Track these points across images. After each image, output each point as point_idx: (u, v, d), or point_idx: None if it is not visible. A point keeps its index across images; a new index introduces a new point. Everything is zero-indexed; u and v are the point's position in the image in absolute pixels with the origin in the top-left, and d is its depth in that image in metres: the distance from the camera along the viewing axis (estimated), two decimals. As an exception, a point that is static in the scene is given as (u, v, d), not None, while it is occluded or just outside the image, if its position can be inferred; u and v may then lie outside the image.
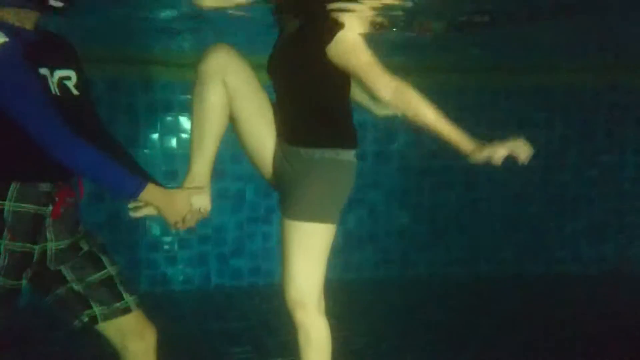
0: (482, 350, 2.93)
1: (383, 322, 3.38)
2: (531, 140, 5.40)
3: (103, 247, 1.67)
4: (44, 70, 1.47)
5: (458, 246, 4.58)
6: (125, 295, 1.64)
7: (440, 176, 4.54)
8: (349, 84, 1.76)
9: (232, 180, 4.04)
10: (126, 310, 1.64)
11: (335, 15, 1.68)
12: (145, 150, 4.06)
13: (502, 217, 4.62)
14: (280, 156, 1.74)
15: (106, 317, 1.62)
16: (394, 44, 3.56)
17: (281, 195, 1.79)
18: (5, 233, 1.44)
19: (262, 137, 1.74)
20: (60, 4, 1.49)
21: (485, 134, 5.37)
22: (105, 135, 1.68)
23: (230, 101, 1.67)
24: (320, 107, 1.70)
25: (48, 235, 1.53)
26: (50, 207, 1.50)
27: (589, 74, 4.46)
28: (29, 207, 1.47)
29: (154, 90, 4.03)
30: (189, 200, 1.64)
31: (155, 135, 4.08)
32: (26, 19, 1.47)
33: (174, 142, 4.11)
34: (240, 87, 1.66)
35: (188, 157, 4.36)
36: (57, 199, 1.51)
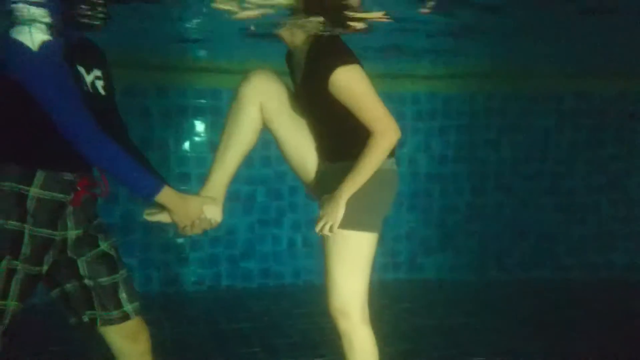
0: (490, 354, 2.95)
1: (391, 326, 3.40)
2: (540, 145, 5.44)
3: (117, 249, 1.73)
4: (80, 69, 1.56)
5: (466, 251, 4.61)
6: (127, 304, 1.68)
7: (450, 181, 4.57)
8: None
9: (243, 183, 4.10)
10: (125, 318, 1.68)
11: (339, 44, 1.73)
12: (159, 153, 4.14)
13: (510, 222, 4.64)
14: (322, 174, 1.81)
15: (105, 323, 1.67)
16: (406, 50, 3.61)
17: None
18: (28, 218, 1.50)
19: (304, 155, 1.82)
20: (96, 23, 1.59)
21: (495, 139, 5.44)
22: (126, 137, 1.74)
23: (267, 123, 1.76)
24: (354, 126, 1.72)
25: (69, 223, 1.59)
26: (72, 196, 1.57)
27: (598, 81, 4.48)
28: (52, 195, 1.53)
29: (168, 95, 4.11)
30: (201, 208, 1.70)
31: (169, 139, 4.16)
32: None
33: (187, 145, 4.18)
34: (279, 110, 1.74)
35: (200, 160, 4.42)
36: (78, 188, 1.57)
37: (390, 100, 4.33)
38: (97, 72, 1.62)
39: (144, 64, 3.81)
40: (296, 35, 1.76)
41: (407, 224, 4.54)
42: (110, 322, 1.66)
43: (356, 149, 1.72)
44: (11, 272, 1.49)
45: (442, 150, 4.56)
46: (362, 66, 1.71)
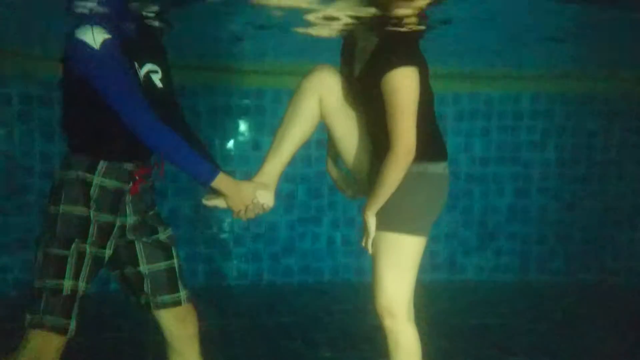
0: (528, 355, 2.94)
1: (431, 325, 3.41)
2: (587, 148, 5.31)
3: (172, 238, 1.83)
4: (136, 64, 1.67)
5: (507, 252, 4.56)
6: (180, 289, 1.79)
7: (491, 182, 4.54)
8: (432, 98, 1.80)
9: (284, 181, 4.09)
10: (177, 303, 1.79)
11: (408, 41, 1.76)
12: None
13: (554, 225, 4.56)
14: (375, 172, 1.81)
15: (158, 306, 1.78)
16: (449, 50, 3.62)
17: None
18: (92, 204, 1.63)
19: (357, 154, 1.84)
20: (160, 25, 1.71)
21: (540, 140, 5.36)
22: (184, 126, 1.83)
23: (324, 118, 1.79)
24: None
25: (127, 210, 1.71)
26: (131, 184, 1.69)
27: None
28: (113, 183, 1.66)
29: (215, 95, 4.25)
30: (254, 193, 1.77)
31: (215, 138, 4.30)
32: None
33: (232, 144, 4.32)
34: (336, 106, 1.77)
35: (244, 158, 4.52)
36: (136, 177, 1.70)
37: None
38: (151, 66, 1.71)
39: (192, 65, 3.96)
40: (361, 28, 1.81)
41: (446, 225, 4.54)
42: (164, 306, 1.77)
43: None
44: (81, 254, 1.62)
45: (484, 152, 4.53)
46: (424, 68, 1.71)
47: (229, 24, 2.98)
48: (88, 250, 1.63)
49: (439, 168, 1.81)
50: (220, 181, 1.68)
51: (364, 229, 1.82)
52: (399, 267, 1.78)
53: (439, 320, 3.54)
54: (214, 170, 1.67)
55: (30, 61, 3.81)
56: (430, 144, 1.80)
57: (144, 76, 1.68)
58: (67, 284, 1.59)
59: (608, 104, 4.49)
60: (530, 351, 3.00)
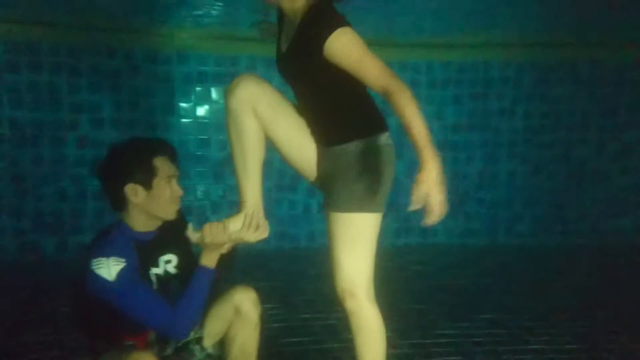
0: (496, 312, 3.10)
1: (403, 286, 3.57)
2: (554, 114, 5.49)
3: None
4: (153, 269, 1.71)
5: (477, 217, 4.73)
6: None
7: (461, 149, 4.66)
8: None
9: None
10: None
11: (331, 10, 1.62)
12: (181, 120, 4.27)
13: (521, 189, 4.73)
14: (321, 159, 1.78)
15: None
16: (421, 19, 3.65)
17: (326, 194, 1.80)
18: None
19: (304, 150, 1.78)
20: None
21: (510, 108, 5.50)
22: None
23: (264, 127, 1.71)
24: (342, 104, 1.71)
25: None
26: None
27: (613, 50, 4.48)
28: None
29: (190, 62, 4.21)
30: (225, 234, 1.71)
31: (190, 105, 4.28)
32: (152, 224, 1.71)
33: (207, 111, 4.30)
34: (271, 113, 1.70)
35: (219, 126, 4.51)
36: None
37: (404, 68, 4.44)
38: (166, 257, 1.74)
39: (165, 31, 3.90)
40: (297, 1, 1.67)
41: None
42: None
43: (347, 132, 1.71)
44: None
45: (455, 119, 4.63)
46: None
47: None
48: None
49: (384, 139, 1.76)
50: (213, 261, 1.70)
51: (429, 193, 1.57)
52: (358, 247, 1.74)
53: (411, 282, 3.70)
54: (209, 273, 1.68)
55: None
56: (371, 118, 1.77)
57: (163, 272, 1.72)
58: None
59: (574, 71, 4.62)
60: (498, 309, 3.16)
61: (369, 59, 1.59)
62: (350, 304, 1.76)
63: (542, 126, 4.68)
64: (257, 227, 1.78)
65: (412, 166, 5.25)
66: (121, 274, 1.58)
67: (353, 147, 1.71)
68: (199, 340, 1.78)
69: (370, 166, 1.71)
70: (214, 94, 4.31)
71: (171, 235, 1.75)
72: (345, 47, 1.57)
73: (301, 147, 1.78)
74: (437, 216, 1.58)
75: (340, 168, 1.72)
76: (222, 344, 1.81)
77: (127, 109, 4.15)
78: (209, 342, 1.80)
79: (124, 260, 1.59)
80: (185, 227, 1.75)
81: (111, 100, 4.12)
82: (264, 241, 5.21)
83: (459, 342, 2.68)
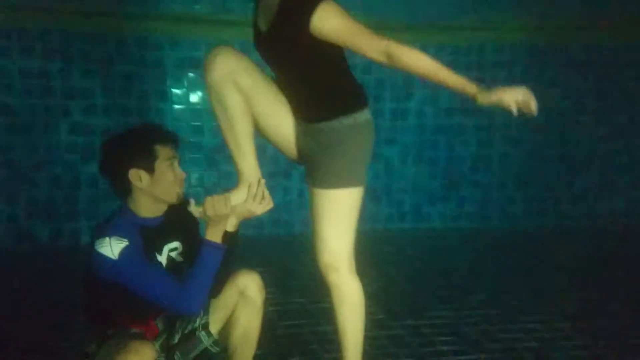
0: (488, 294, 3.14)
1: (396, 269, 3.60)
2: (547, 97, 5.50)
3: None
4: (156, 254, 1.70)
5: (470, 200, 4.76)
6: None
7: (456, 133, 4.67)
8: (342, 49, 1.71)
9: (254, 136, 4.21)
10: None
11: None
12: (173, 106, 4.25)
13: (514, 172, 4.76)
14: (302, 135, 1.77)
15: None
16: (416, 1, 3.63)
17: (308, 169, 1.81)
18: None
19: (283, 124, 1.77)
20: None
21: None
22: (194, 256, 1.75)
23: (247, 101, 1.69)
24: (326, 81, 1.71)
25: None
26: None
27: (605, 33, 4.49)
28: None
29: (182, 48, 4.18)
30: (227, 205, 1.68)
31: (183, 91, 4.26)
32: (157, 209, 1.71)
33: (199, 97, 4.29)
34: (251, 84, 1.68)
35: (211, 111, 4.49)
36: (147, 337, 1.71)
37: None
38: (171, 245, 1.73)
39: (157, 16, 3.87)
40: None
41: (413, 175, 4.68)
42: None
43: (330, 109, 1.71)
44: None
45: (449, 103, 4.64)
46: None
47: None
48: None
49: (365, 114, 1.77)
50: (218, 237, 1.69)
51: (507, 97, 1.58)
52: (342, 222, 1.76)
53: (405, 265, 3.73)
54: (219, 249, 1.68)
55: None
56: (354, 94, 1.78)
57: (167, 258, 1.72)
58: None
59: (567, 54, 4.62)
60: (491, 290, 3.20)
61: (358, 28, 1.58)
62: (333, 278, 1.79)
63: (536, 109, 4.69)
64: (262, 198, 1.76)
65: (405, 151, 5.33)
66: (124, 252, 1.58)
67: (337, 124, 1.72)
68: (205, 326, 1.78)
69: (354, 142, 1.73)
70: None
71: (177, 223, 1.75)
72: (332, 19, 1.56)
73: (281, 122, 1.77)
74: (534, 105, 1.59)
75: (324, 145, 1.73)
76: (226, 328, 1.81)
77: (119, 95, 4.13)
78: (215, 328, 1.79)
79: (127, 239, 1.60)
80: (192, 216, 1.75)
81: (103, 86, 4.10)
82: (258, 228, 5.26)
83: (451, 323, 2.72)
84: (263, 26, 1.70)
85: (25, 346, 2.43)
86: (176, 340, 1.78)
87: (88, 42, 4.02)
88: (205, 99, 4.28)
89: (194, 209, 1.71)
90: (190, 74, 4.26)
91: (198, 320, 1.78)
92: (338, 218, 1.75)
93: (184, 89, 4.27)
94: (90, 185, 4.08)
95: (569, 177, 4.78)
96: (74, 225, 4.08)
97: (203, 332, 1.77)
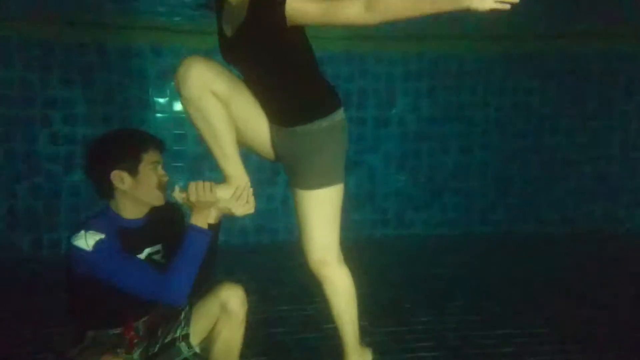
0: (470, 299, 3.18)
1: (380, 276, 3.63)
2: (525, 105, 5.57)
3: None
4: (137, 254, 1.70)
5: (453, 207, 4.82)
6: None
7: (437, 140, 4.73)
8: (313, 53, 1.74)
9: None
10: None
11: None
12: (156, 114, 4.25)
13: (495, 179, 4.83)
14: (278, 139, 1.79)
15: None
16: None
17: (288, 170, 1.84)
18: None
19: (261, 129, 1.80)
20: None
21: (481, 99, 5.56)
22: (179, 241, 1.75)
23: (225, 105, 1.70)
24: (301, 84, 1.72)
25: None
26: (125, 346, 1.71)
27: (581, 41, 4.59)
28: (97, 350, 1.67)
29: (164, 56, 4.18)
30: (214, 197, 1.71)
31: (165, 99, 4.25)
32: (139, 211, 1.71)
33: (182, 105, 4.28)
34: (227, 91, 1.68)
35: (194, 125, 4.44)
36: (126, 337, 1.72)
37: (379, 61, 4.48)
38: (151, 249, 1.73)
39: (139, 25, 3.87)
40: None
41: (396, 182, 4.72)
42: None
43: (306, 113, 1.72)
44: None
45: (431, 112, 4.70)
46: None
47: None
48: None
49: (340, 114, 1.81)
50: (204, 224, 1.70)
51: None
52: (326, 218, 1.81)
53: (388, 271, 3.76)
54: (206, 234, 1.69)
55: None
56: (329, 96, 1.81)
57: (146, 258, 1.72)
58: None
59: (544, 63, 4.72)
60: (472, 296, 3.24)
61: (330, 1, 1.56)
62: (325, 272, 1.85)
63: (514, 117, 4.78)
64: (247, 202, 1.80)
65: (389, 158, 5.35)
66: (98, 244, 1.57)
67: (316, 127, 1.75)
68: (186, 337, 1.77)
69: (332, 142, 1.78)
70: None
71: (161, 225, 1.76)
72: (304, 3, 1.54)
73: (258, 126, 1.80)
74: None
75: (304, 148, 1.76)
76: (207, 340, 1.81)
77: (101, 104, 4.11)
78: (195, 340, 1.78)
79: (103, 234, 1.59)
80: (179, 220, 1.77)
81: (84, 95, 4.08)
82: (242, 236, 5.23)
83: (433, 329, 2.75)
84: (229, 32, 1.70)
85: (5, 357, 2.40)
86: (156, 349, 1.77)
87: (69, 52, 4.00)
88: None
89: (178, 194, 1.72)
90: (173, 83, 4.25)
91: (179, 331, 1.78)
92: (324, 216, 1.81)
93: (167, 98, 4.26)
94: (71, 194, 4.05)
95: (548, 183, 4.86)
96: (55, 236, 4.04)
97: (183, 343, 1.77)
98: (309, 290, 3.42)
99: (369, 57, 4.42)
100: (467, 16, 4.42)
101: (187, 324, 1.78)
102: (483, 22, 4.17)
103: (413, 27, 4.34)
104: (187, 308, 1.79)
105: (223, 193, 1.77)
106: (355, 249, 4.26)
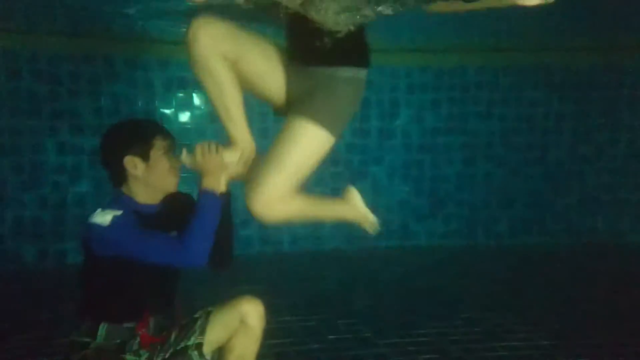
0: (475, 311, 3.16)
1: (383, 287, 3.63)
2: (529, 117, 5.58)
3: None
4: None
5: (456, 218, 4.82)
6: None
7: (441, 152, 4.75)
8: None
9: None
10: None
11: None
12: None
13: (498, 191, 4.84)
14: (298, 79, 1.74)
15: None
16: (400, 25, 3.71)
17: (293, 105, 1.76)
18: None
19: (275, 77, 1.76)
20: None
21: (485, 111, 5.59)
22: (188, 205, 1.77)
23: (233, 65, 1.67)
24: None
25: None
26: (137, 340, 1.71)
27: (585, 54, 4.62)
28: (112, 343, 1.67)
29: (170, 68, 4.23)
30: (221, 161, 1.72)
31: (171, 111, 4.30)
32: (153, 198, 1.72)
33: (188, 117, 4.33)
34: (237, 50, 1.66)
35: (200, 131, 4.52)
36: (139, 332, 1.71)
37: (383, 73, 4.51)
38: (171, 235, 1.74)
39: (146, 38, 3.92)
40: None
41: (399, 194, 4.73)
42: None
43: (339, 55, 1.69)
44: None
45: (435, 123, 4.72)
46: None
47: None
48: None
49: (364, 74, 1.77)
50: (216, 186, 1.71)
51: None
52: (301, 155, 1.69)
53: (392, 283, 3.76)
54: (212, 196, 1.69)
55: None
56: (367, 50, 1.78)
57: None
58: None
59: (548, 75, 4.74)
60: (475, 308, 3.23)
61: None
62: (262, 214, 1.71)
63: (518, 129, 4.79)
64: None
65: (392, 169, 5.35)
66: (116, 219, 1.58)
67: (341, 73, 1.71)
68: (199, 346, 1.74)
69: (348, 94, 1.73)
70: (196, 99, 4.33)
71: (175, 213, 1.76)
72: None
73: (272, 75, 1.76)
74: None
75: (321, 86, 1.70)
76: (220, 351, 1.79)
77: (107, 115, 4.16)
78: (208, 349, 1.75)
79: (121, 212, 1.61)
80: (191, 206, 1.75)
81: (91, 107, 4.12)
82: (247, 246, 5.23)
83: (436, 341, 2.74)
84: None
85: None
86: (167, 355, 1.78)
87: (76, 63, 4.05)
88: (194, 118, 4.32)
89: (185, 158, 1.72)
90: (179, 94, 4.30)
91: (193, 339, 1.76)
92: (297, 154, 1.68)
93: (173, 109, 4.31)
94: (77, 205, 4.08)
95: (552, 195, 4.86)
96: (60, 246, 4.07)
97: (196, 352, 1.74)
98: (311, 301, 3.46)
99: (373, 69, 4.44)
100: (471, 28, 4.41)
101: (202, 333, 1.76)
102: (486, 35, 4.23)
103: (418, 41, 4.40)
104: (203, 317, 1.79)
105: (229, 157, 1.75)
106: (359, 260, 4.32)
